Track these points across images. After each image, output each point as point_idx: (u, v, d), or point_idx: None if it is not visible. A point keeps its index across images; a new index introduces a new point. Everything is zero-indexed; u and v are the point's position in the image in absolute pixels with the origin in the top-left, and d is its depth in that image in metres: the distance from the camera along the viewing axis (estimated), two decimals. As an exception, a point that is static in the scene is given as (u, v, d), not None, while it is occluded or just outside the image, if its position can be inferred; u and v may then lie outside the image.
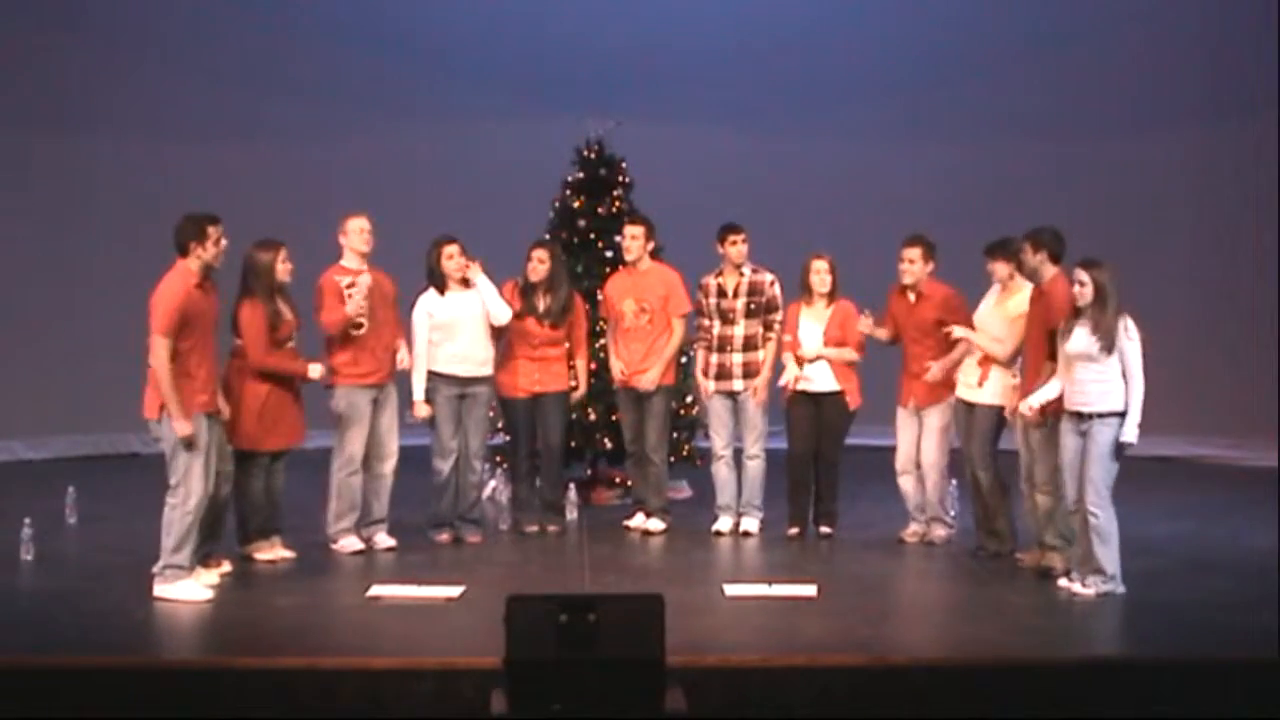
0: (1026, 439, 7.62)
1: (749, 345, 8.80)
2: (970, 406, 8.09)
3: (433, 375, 8.47)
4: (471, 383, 8.53)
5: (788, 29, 12.81)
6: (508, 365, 8.77)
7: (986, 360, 7.99)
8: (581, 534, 8.94)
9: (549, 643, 4.75)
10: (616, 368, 8.95)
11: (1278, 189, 11.51)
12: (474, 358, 8.52)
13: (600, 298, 9.36)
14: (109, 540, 8.56)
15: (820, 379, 8.65)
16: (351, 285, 8.16)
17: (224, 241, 7.26)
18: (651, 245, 8.99)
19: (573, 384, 8.96)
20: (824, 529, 8.72)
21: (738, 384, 8.80)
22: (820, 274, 8.63)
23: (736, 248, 8.78)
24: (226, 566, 7.67)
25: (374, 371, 8.20)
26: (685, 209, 10.82)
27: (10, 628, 6.72)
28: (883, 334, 8.55)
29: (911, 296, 8.42)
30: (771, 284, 8.82)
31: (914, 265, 8.36)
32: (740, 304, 8.80)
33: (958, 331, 8.10)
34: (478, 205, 12.00)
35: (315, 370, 7.93)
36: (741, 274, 8.82)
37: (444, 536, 8.59)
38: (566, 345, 8.92)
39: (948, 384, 8.35)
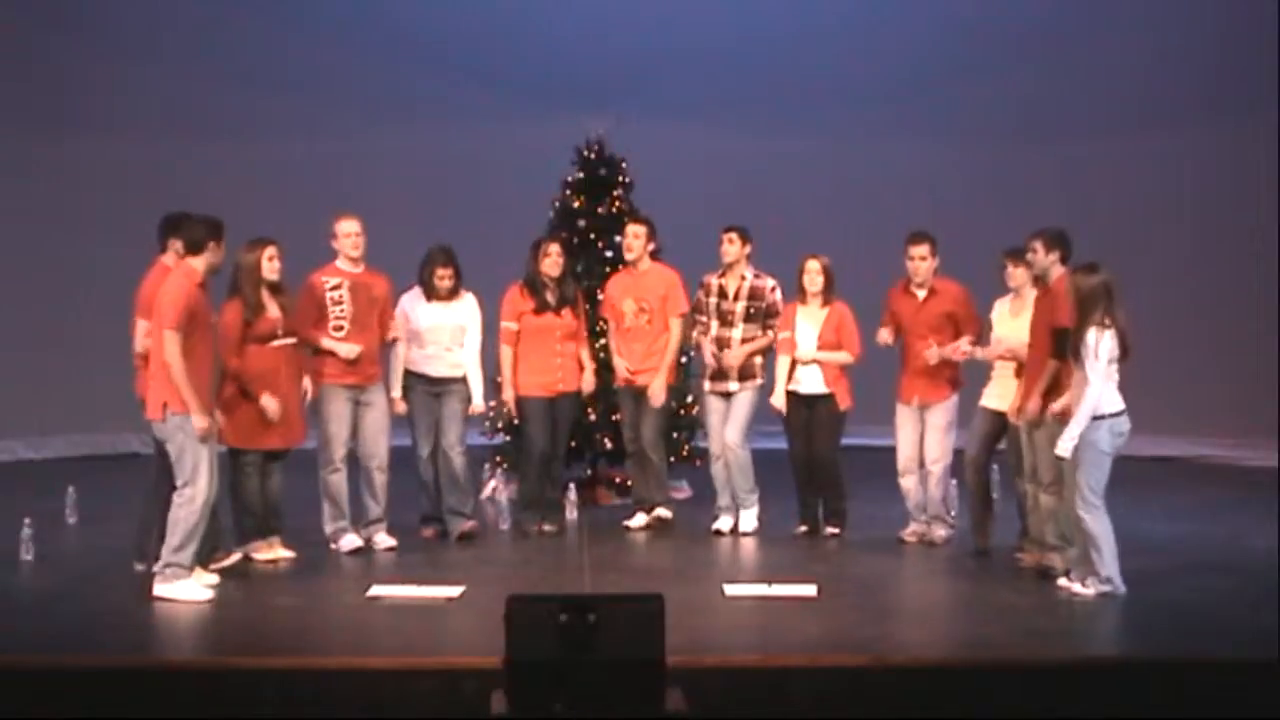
0: (1031, 439, 7.62)
1: (747, 345, 8.80)
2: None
3: (408, 374, 8.51)
4: (445, 382, 8.56)
5: (788, 29, 12.79)
6: (526, 365, 8.77)
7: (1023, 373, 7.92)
8: (581, 534, 8.94)
9: (549, 643, 4.76)
10: (621, 366, 8.94)
11: (1278, 189, 11.51)
12: (447, 359, 8.55)
13: (600, 298, 9.36)
14: (109, 540, 8.54)
15: (811, 382, 8.66)
16: (337, 288, 8.19)
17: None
18: (652, 245, 9.01)
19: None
20: (830, 529, 8.73)
21: (733, 385, 8.80)
22: (811, 274, 8.64)
23: (726, 246, 8.78)
24: (236, 557, 7.66)
25: (351, 373, 8.21)
26: (685, 209, 10.82)
27: (10, 628, 6.72)
28: (889, 338, 8.54)
29: (920, 293, 8.42)
30: (773, 290, 8.81)
31: (924, 263, 8.36)
32: (740, 307, 8.80)
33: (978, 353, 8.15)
34: (478, 205, 12.00)
35: (268, 404, 7.75)
36: (743, 277, 8.82)
37: (428, 532, 8.62)
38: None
39: (950, 380, 8.35)
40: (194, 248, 7.12)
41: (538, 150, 11.10)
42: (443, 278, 8.52)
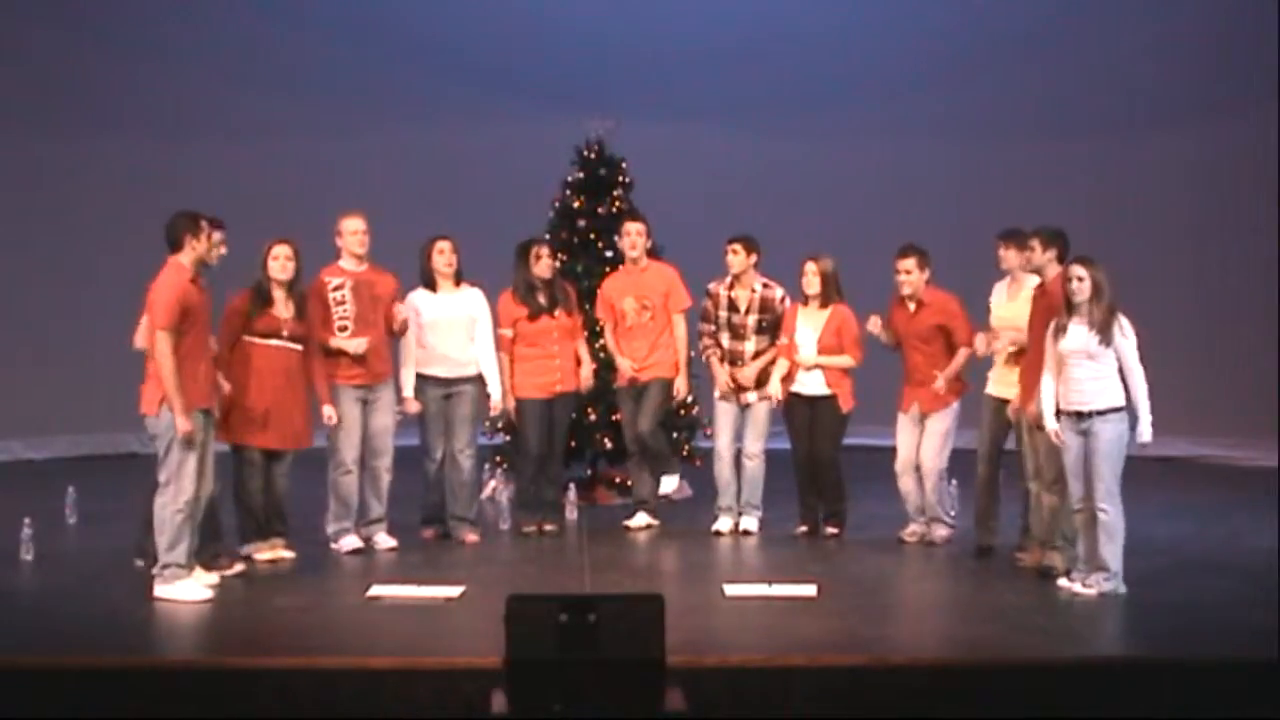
0: (1033, 439, 7.62)
1: (760, 359, 8.81)
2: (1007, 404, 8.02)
3: (419, 376, 8.50)
4: (456, 383, 8.55)
5: (789, 29, 12.81)
6: (524, 368, 8.76)
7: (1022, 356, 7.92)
8: (581, 534, 8.94)
9: (549, 643, 4.76)
10: (626, 365, 8.94)
11: (1278, 189, 11.51)
12: (457, 358, 8.54)
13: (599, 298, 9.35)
14: (109, 540, 8.54)
15: (813, 383, 8.67)
16: (339, 288, 8.19)
17: (216, 235, 7.29)
18: (649, 243, 9.01)
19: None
20: (829, 530, 8.74)
21: (751, 396, 8.82)
22: (808, 276, 8.64)
23: (731, 257, 8.77)
24: (239, 567, 7.67)
25: (359, 373, 8.21)
26: (685, 209, 10.83)
27: (10, 628, 6.73)
28: (885, 337, 8.54)
29: (911, 306, 8.42)
30: (782, 300, 8.82)
31: (910, 275, 8.37)
32: (751, 320, 8.80)
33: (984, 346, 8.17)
34: (477, 205, 12.00)
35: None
36: (754, 290, 8.81)
37: (429, 533, 8.63)
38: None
39: (953, 389, 8.36)
40: (173, 245, 7.13)
41: (538, 150, 11.11)
42: (441, 250, 8.52)
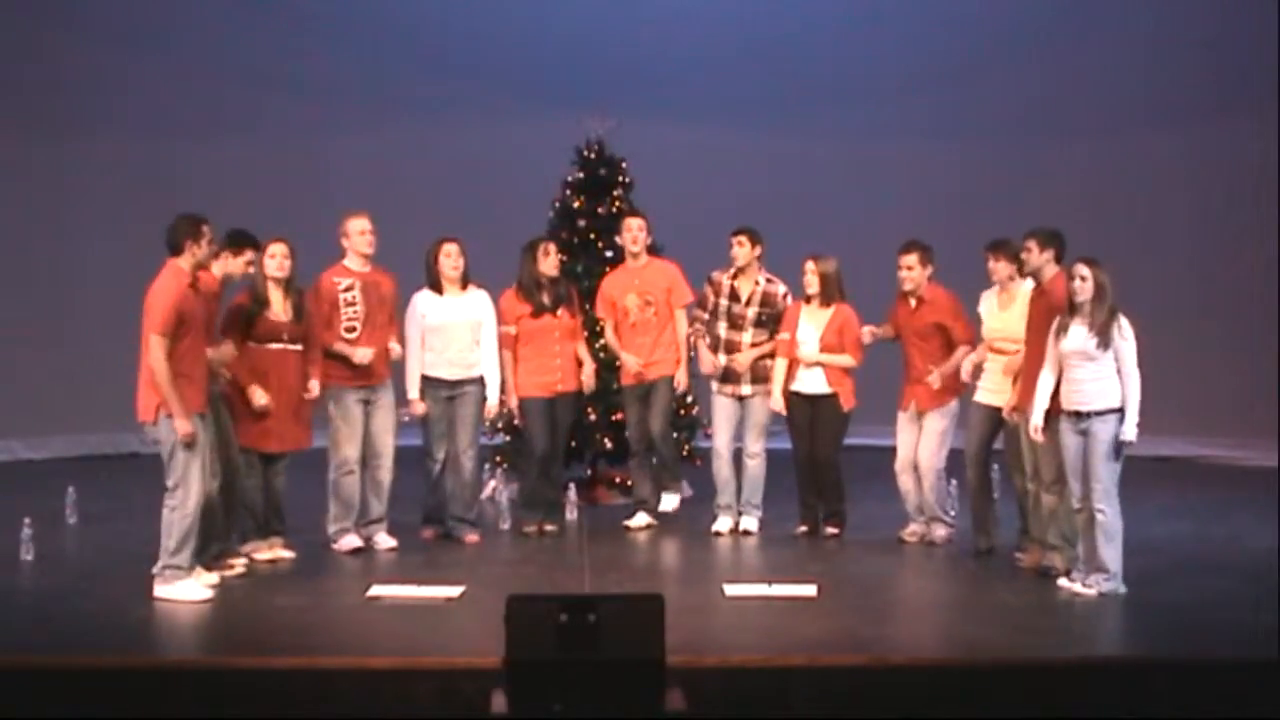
0: (1031, 439, 7.61)
1: (757, 349, 8.81)
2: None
3: (423, 378, 8.50)
4: (460, 384, 8.55)
5: (789, 29, 12.81)
6: (526, 367, 8.76)
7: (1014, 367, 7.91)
8: (581, 534, 8.94)
9: (549, 643, 4.76)
10: (632, 362, 8.93)
11: (1278, 189, 11.51)
12: (462, 361, 8.54)
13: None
14: (109, 540, 8.56)
15: (814, 382, 8.67)
16: (349, 289, 8.18)
17: (248, 254, 7.38)
18: (649, 239, 9.02)
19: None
20: (829, 530, 8.74)
21: (746, 388, 8.81)
22: (807, 275, 8.64)
23: (736, 249, 8.77)
24: (240, 568, 7.67)
25: (363, 374, 8.20)
26: (686, 209, 10.82)
27: (10, 628, 6.73)
28: (887, 333, 8.55)
29: (912, 302, 8.43)
30: (784, 296, 8.82)
31: (912, 271, 8.37)
32: (751, 313, 8.80)
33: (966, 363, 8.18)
34: (478, 205, 12.00)
35: (257, 396, 7.67)
36: (757, 282, 8.81)
37: (428, 533, 8.64)
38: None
39: (951, 388, 8.36)
40: (173, 248, 7.09)
41: (538, 150, 11.11)
42: (449, 254, 8.52)
